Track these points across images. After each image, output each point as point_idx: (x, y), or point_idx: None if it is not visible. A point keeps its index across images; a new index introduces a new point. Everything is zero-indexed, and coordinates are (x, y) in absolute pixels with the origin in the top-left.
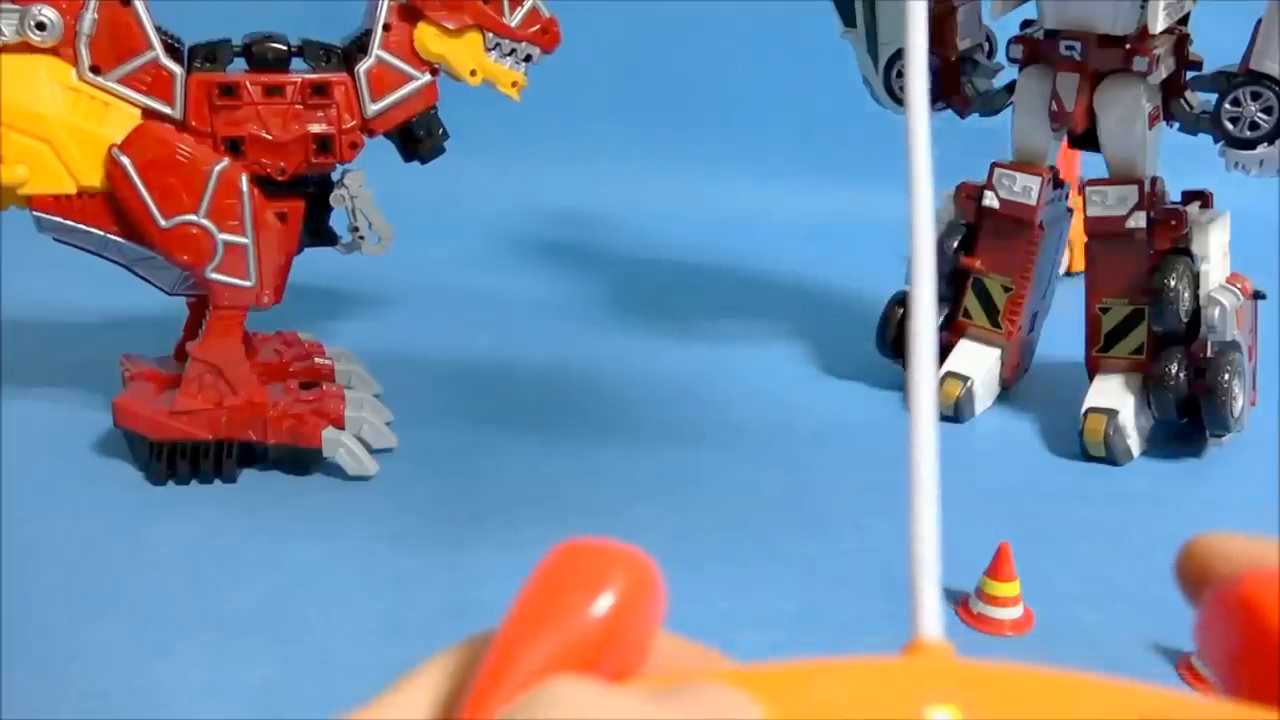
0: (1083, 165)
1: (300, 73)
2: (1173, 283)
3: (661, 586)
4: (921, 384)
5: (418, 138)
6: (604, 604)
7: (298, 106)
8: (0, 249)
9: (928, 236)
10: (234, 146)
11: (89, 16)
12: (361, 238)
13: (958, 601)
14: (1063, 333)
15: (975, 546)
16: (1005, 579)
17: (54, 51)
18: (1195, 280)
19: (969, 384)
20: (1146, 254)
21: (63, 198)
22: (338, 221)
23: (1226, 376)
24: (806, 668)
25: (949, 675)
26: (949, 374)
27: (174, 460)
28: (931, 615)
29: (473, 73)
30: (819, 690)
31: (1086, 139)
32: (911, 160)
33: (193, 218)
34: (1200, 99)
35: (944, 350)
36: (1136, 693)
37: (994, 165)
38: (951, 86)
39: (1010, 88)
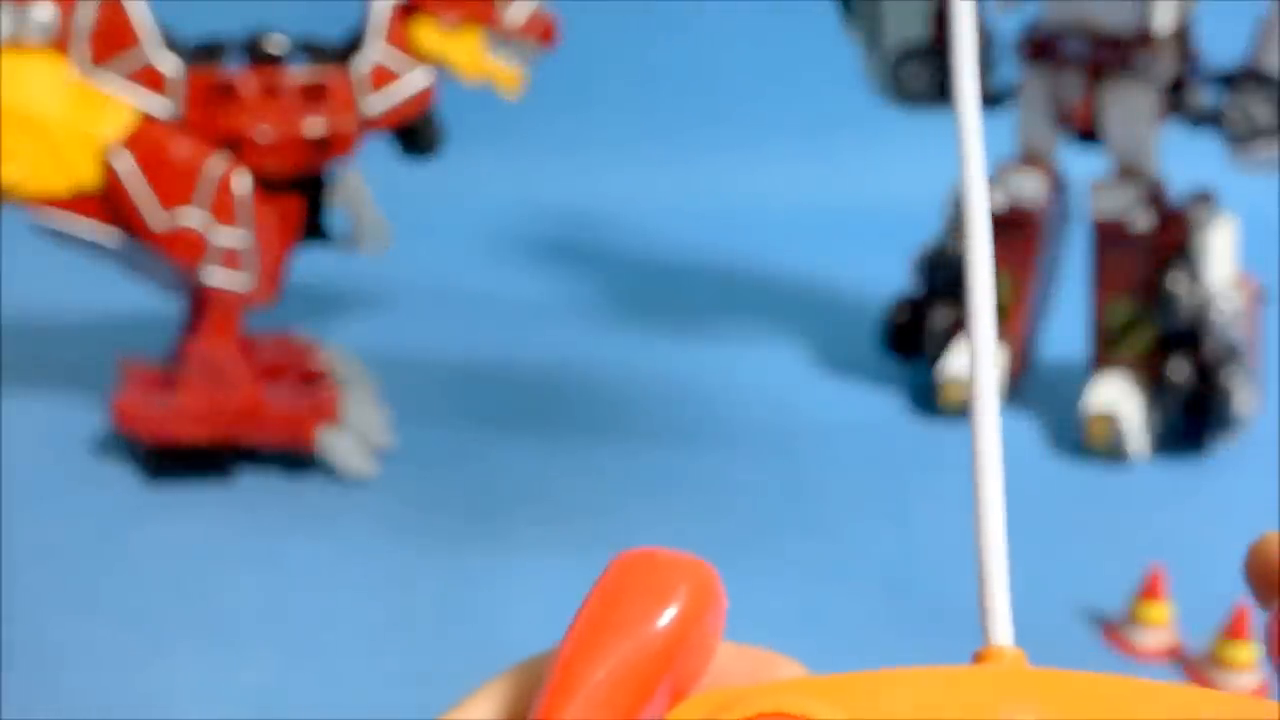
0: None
1: (299, 71)
2: (1176, 283)
3: (723, 595)
4: (983, 390)
5: (416, 136)
6: (670, 614)
7: (296, 105)
8: (0, 249)
9: (984, 239)
10: (232, 145)
11: (86, 14)
12: (359, 237)
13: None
14: (1065, 332)
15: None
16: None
17: (51, 49)
18: (1199, 280)
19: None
20: (1151, 253)
21: (60, 196)
22: (335, 220)
23: (1230, 377)
24: (877, 677)
25: (1026, 682)
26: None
27: (172, 461)
28: (1003, 621)
29: (471, 71)
30: (895, 700)
31: (1091, 137)
32: (965, 164)
33: (190, 217)
34: (1204, 97)
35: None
36: (1218, 699)
37: (997, 164)
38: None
39: (1014, 86)
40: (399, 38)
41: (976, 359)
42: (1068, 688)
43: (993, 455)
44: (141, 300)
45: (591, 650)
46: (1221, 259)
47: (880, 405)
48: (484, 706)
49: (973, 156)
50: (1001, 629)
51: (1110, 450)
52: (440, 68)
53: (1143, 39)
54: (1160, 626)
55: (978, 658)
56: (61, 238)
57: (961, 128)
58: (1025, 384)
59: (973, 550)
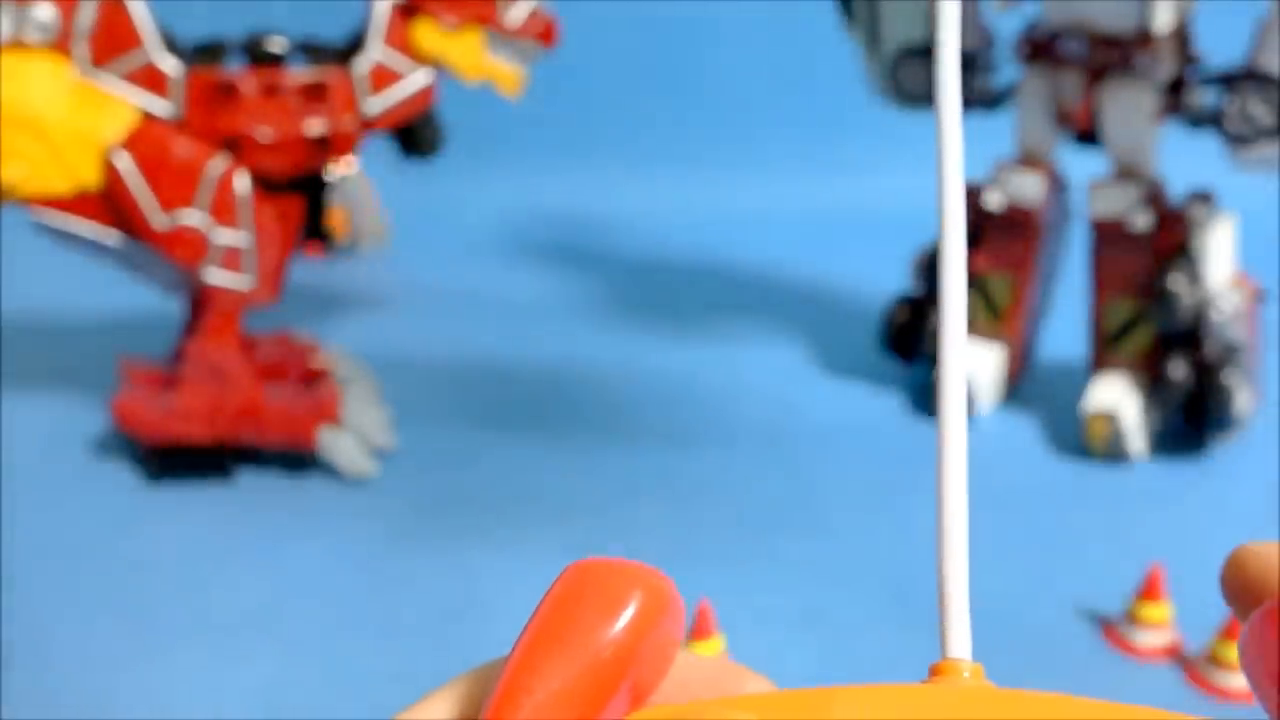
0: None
1: (299, 71)
2: (1175, 283)
3: (680, 605)
4: (951, 398)
5: (417, 136)
6: (622, 623)
7: (296, 105)
8: (0, 249)
9: (958, 239)
10: (232, 145)
11: (87, 14)
12: (359, 237)
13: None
14: (1064, 332)
15: (974, 548)
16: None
17: (52, 50)
18: (1198, 280)
19: (972, 384)
20: (1150, 253)
21: (61, 196)
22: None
23: (1229, 377)
24: (829, 694)
25: (978, 702)
26: None
27: (172, 461)
28: (961, 634)
29: (471, 71)
30: (844, 718)
31: (1090, 137)
32: (942, 166)
33: (191, 217)
34: (1203, 98)
35: None
36: None
37: (997, 164)
38: None
39: (1013, 86)
40: (399, 38)
41: (946, 370)
42: (1027, 708)
43: (956, 461)
44: (141, 300)
45: (542, 655)
46: (1221, 259)
47: (880, 405)
48: (440, 706)
49: (950, 160)
50: (959, 642)
51: (1110, 450)
52: (440, 68)
53: (1142, 39)
54: (1159, 626)
55: (934, 671)
56: (62, 238)
57: (941, 130)
58: (1025, 384)
59: (967, 555)
